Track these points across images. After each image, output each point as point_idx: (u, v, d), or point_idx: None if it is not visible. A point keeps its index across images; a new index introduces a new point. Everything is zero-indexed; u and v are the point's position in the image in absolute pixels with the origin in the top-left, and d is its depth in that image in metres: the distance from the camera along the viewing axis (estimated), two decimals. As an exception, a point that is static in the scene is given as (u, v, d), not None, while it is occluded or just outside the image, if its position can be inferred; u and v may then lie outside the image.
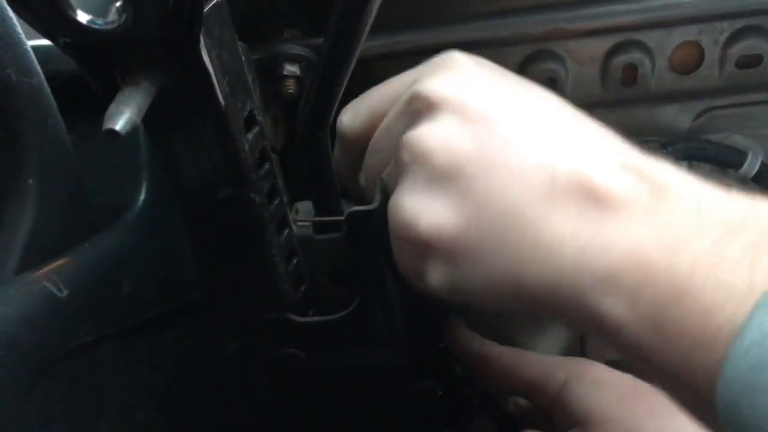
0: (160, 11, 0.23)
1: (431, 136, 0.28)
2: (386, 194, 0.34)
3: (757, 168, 0.43)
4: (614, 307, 0.24)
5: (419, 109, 0.29)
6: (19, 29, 0.41)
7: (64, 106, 0.44)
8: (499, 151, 0.27)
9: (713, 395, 0.21)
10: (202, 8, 0.24)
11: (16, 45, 0.40)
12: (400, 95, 0.31)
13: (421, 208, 0.28)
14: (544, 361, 0.39)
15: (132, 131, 0.23)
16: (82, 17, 0.23)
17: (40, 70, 0.42)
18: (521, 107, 0.28)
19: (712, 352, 0.21)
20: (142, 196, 0.52)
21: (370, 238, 0.32)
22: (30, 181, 0.44)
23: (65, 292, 0.42)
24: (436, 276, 0.28)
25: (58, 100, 0.44)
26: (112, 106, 0.23)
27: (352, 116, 0.34)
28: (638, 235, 0.24)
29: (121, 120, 0.22)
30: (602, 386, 0.37)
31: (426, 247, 0.28)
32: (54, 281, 0.41)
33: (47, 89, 0.43)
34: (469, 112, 0.28)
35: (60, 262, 0.43)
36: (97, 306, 0.44)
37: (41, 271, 0.41)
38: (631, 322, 0.23)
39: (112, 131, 0.22)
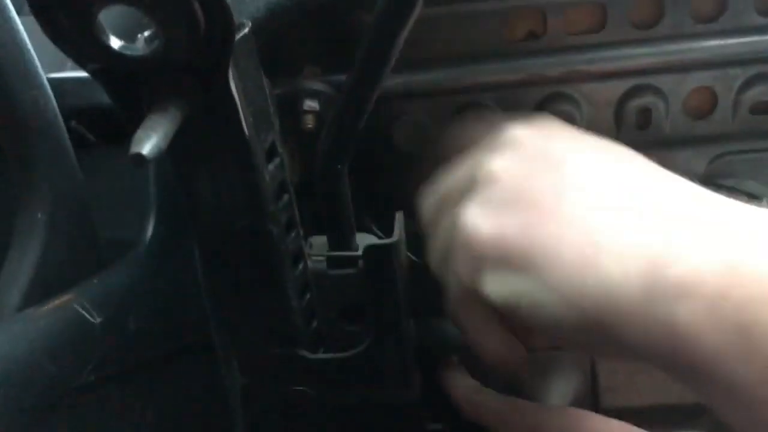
0: (191, 39, 0.23)
1: (503, 162, 0.30)
2: (403, 228, 0.34)
3: (771, 214, 0.43)
4: (692, 314, 0.23)
5: (499, 144, 0.31)
6: (37, 62, 0.41)
7: (75, 139, 0.44)
8: (570, 179, 0.28)
9: None
10: (234, 38, 0.24)
11: (34, 79, 0.41)
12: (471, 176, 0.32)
13: (485, 217, 0.28)
14: (539, 412, 0.37)
15: (158, 156, 0.23)
16: (115, 43, 0.23)
17: (55, 104, 0.43)
18: (600, 153, 0.30)
19: None
20: (149, 233, 0.51)
21: (387, 272, 0.32)
22: (39, 215, 0.43)
23: (69, 330, 0.41)
24: (495, 286, 0.28)
25: (69, 133, 0.44)
26: (139, 131, 0.23)
27: (428, 203, 0.34)
28: (720, 239, 0.23)
29: (148, 145, 0.22)
30: None
31: (488, 254, 0.28)
32: (58, 319, 0.41)
33: (61, 123, 0.43)
34: (547, 149, 0.30)
35: (65, 298, 0.42)
36: (102, 344, 0.43)
37: (45, 307, 0.41)
38: (711, 328, 0.22)
39: (140, 155, 0.22)
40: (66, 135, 0.43)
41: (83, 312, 0.43)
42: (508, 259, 0.27)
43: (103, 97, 0.52)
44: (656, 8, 0.40)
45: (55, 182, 0.43)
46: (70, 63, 0.74)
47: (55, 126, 0.43)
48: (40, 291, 0.42)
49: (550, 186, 0.28)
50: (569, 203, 0.27)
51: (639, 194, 0.27)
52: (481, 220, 0.29)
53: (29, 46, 0.39)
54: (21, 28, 0.39)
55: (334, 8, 0.38)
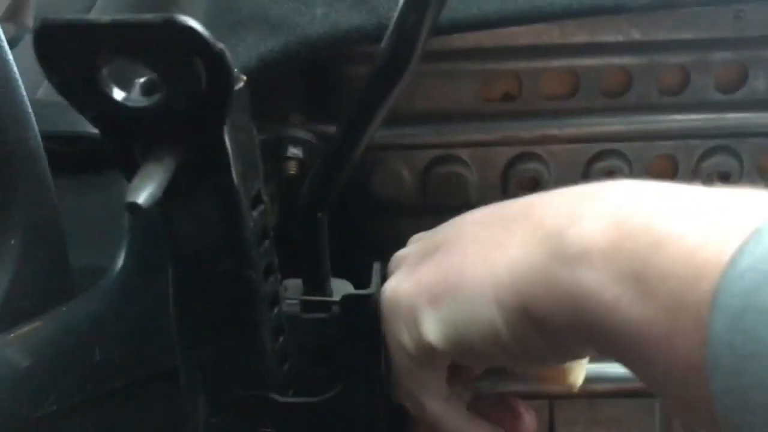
0: (192, 94, 0.24)
1: (405, 251, 0.36)
2: (380, 278, 0.35)
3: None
4: (590, 274, 0.24)
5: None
6: (23, 89, 0.42)
7: (52, 164, 0.44)
8: (461, 245, 0.32)
9: (706, 328, 0.21)
10: (233, 94, 0.25)
11: (19, 105, 0.41)
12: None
13: (404, 278, 0.33)
14: None
15: (153, 204, 0.24)
16: (118, 94, 0.24)
17: (37, 131, 0.43)
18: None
19: (700, 287, 0.21)
20: (121, 262, 0.51)
21: (363, 321, 0.33)
22: (12, 242, 0.43)
23: (35, 359, 0.41)
24: (432, 326, 0.31)
25: (51, 159, 0.44)
26: (135, 180, 0.24)
27: None
28: (603, 204, 0.26)
29: (143, 194, 0.23)
30: None
31: (416, 302, 0.32)
32: (23, 347, 0.40)
33: (42, 150, 0.44)
34: (439, 236, 0.35)
35: (32, 326, 0.42)
36: (67, 373, 0.43)
37: (12, 335, 0.41)
38: (609, 282, 0.24)
39: (135, 205, 0.23)
40: (45, 162, 0.44)
41: (50, 341, 0.43)
42: (434, 297, 0.31)
43: (78, 124, 0.52)
44: (625, 79, 0.42)
45: (32, 209, 0.43)
46: (44, 85, 0.74)
47: (36, 151, 0.43)
48: (7, 318, 0.42)
49: (447, 241, 0.33)
50: (463, 241, 0.32)
51: (508, 209, 0.32)
52: (401, 282, 0.33)
53: (14, 67, 0.40)
54: (7, 48, 0.39)
55: (323, 62, 0.39)
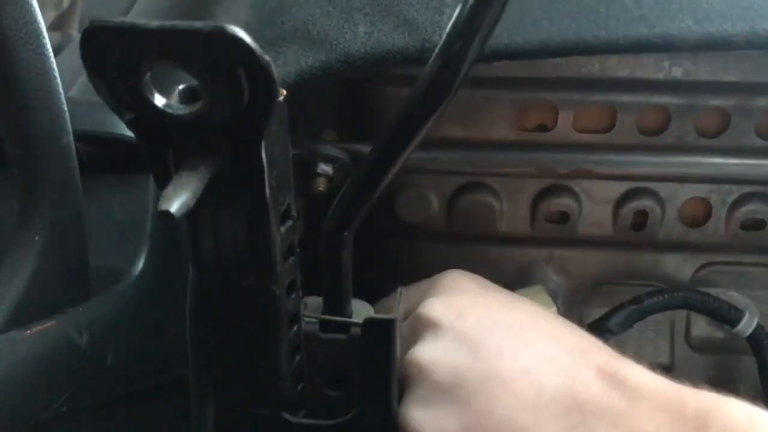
0: (234, 105, 0.24)
1: (430, 353, 0.33)
2: (403, 304, 0.35)
3: (752, 329, 0.44)
4: None
5: (420, 329, 0.34)
6: (60, 88, 0.42)
7: (82, 165, 0.44)
8: (492, 365, 0.31)
9: None
10: (274, 107, 0.25)
11: (55, 104, 0.41)
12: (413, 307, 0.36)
13: (425, 418, 0.32)
14: None
15: (186, 214, 0.23)
16: (159, 101, 0.24)
17: (70, 131, 0.43)
18: (510, 325, 0.33)
19: None
20: (140, 266, 0.51)
21: (385, 347, 0.32)
22: (37, 238, 0.43)
23: (49, 357, 0.40)
24: None
25: (79, 159, 0.44)
26: (169, 188, 0.23)
27: None
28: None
29: (177, 202, 0.23)
30: None
31: None
32: (38, 345, 0.40)
33: (73, 150, 0.44)
34: (464, 331, 0.33)
35: (48, 324, 0.42)
36: (78, 375, 0.42)
37: (28, 332, 0.40)
38: None
39: (168, 213, 0.23)
40: (76, 162, 0.44)
41: (64, 341, 0.42)
42: None
43: (106, 125, 0.53)
44: (663, 118, 0.42)
45: (58, 207, 0.43)
46: (79, 80, 0.74)
47: (68, 152, 0.43)
48: (24, 315, 0.42)
49: (477, 381, 0.31)
50: (499, 404, 0.31)
51: (553, 389, 0.30)
52: (423, 419, 0.32)
53: (56, 71, 0.40)
54: (51, 52, 0.39)
55: (359, 80, 0.39)
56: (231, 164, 0.26)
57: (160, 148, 0.26)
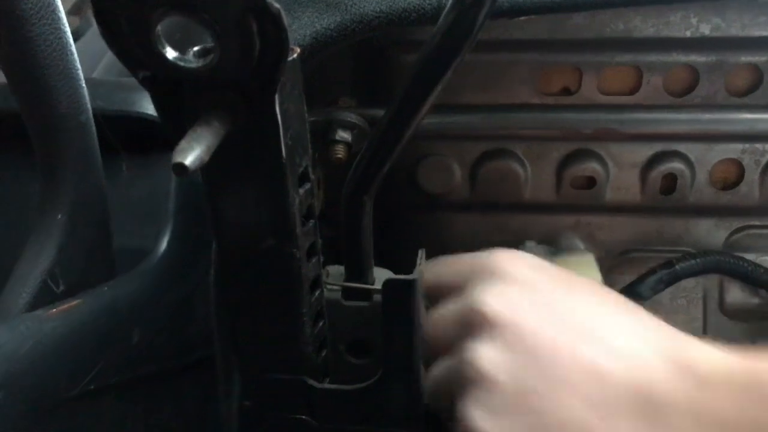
0: (245, 56, 0.23)
1: (488, 355, 0.32)
2: (425, 265, 0.34)
3: (789, 293, 0.43)
4: None
5: (475, 324, 0.32)
6: (78, 64, 0.42)
7: (103, 145, 0.44)
8: (555, 367, 0.30)
9: None
10: (286, 58, 0.24)
11: (73, 80, 0.41)
12: (463, 279, 0.34)
13: (490, 425, 0.31)
14: None
15: (199, 167, 0.23)
16: (170, 54, 0.23)
17: (89, 108, 0.43)
18: (569, 317, 0.32)
19: None
20: (164, 246, 0.51)
21: (405, 308, 0.31)
22: (60, 216, 0.43)
23: (75, 336, 0.41)
24: None
25: (99, 139, 0.44)
26: (183, 142, 0.23)
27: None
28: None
29: (191, 156, 0.23)
30: None
31: None
32: (64, 324, 0.40)
33: (93, 128, 0.44)
34: (521, 332, 0.31)
35: (73, 303, 0.42)
36: (104, 353, 0.43)
37: (54, 310, 0.41)
38: None
39: (182, 165, 0.22)
40: (95, 140, 0.44)
41: (89, 320, 0.43)
42: None
43: (128, 104, 0.53)
44: (691, 77, 0.40)
45: (80, 185, 0.43)
46: (100, 66, 0.74)
47: (87, 130, 0.43)
48: (50, 293, 0.42)
49: (540, 386, 0.31)
50: (566, 407, 0.30)
51: (620, 383, 0.29)
52: (488, 426, 0.31)
53: (73, 48, 0.40)
54: (68, 28, 0.39)
55: (376, 46, 0.38)
56: (246, 122, 0.26)
57: (174, 106, 0.26)
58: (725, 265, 0.42)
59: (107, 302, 0.44)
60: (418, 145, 0.42)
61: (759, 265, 0.43)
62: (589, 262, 0.41)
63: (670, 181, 0.43)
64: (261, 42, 0.23)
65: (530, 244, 0.42)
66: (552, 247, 0.44)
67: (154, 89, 0.25)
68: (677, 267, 0.41)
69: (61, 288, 0.44)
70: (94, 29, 0.74)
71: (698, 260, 0.42)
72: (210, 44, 0.24)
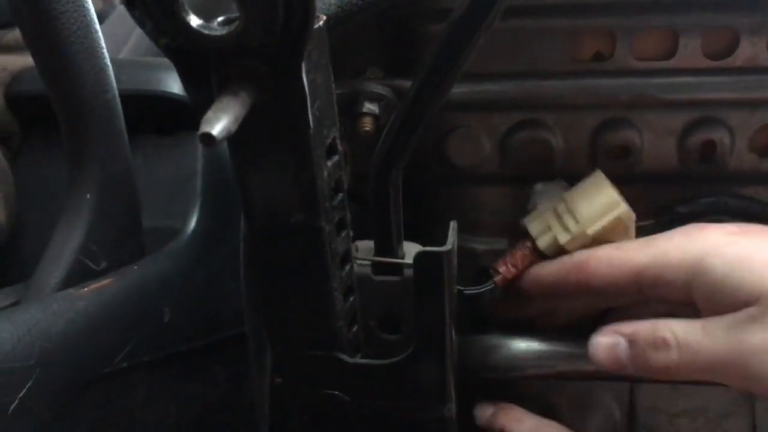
0: (270, 24, 0.23)
1: None
2: (456, 238, 0.34)
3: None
4: None
5: None
6: (103, 43, 0.42)
7: (130, 125, 0.44)
8: None
9: None
10: (311, 25, 0.23)
11: (98, 59, 0.41)
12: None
13: None
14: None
15: (227, 137, 0.23)
16: (194, 21, 0.23)
17: (115, 87, 0.43)
18: None
19: None
20: (192, 225, 0.51)
21: (437, 281, 0.31)
22: (88, 196, 0.44)
23: (107, 314, 0.41)
24: None
25: (126, 119, 0.44)
26: (210, 112, 0.23)
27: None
28: None
29: (218, 125, 0.22)
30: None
31: None
32: (96, 302, 0.41)
33: (119, 107, 0.44)
34: None
35: (105, 282, 0.42)
36: (136, 332, 0.43)
37: (85, 289, 0.41)
38: None
39: (209, 135, 0.22)
40: (122, 119, 0.44)
41: (120, 298, 0.43)
42: None
43: (154, 83, 0.52)
44: (731, 39, 0.39)
45: (107, 164, 0.43)
46: (125, 48, 0.74)
47: (113, 109, 0.43)
48: (81, 272, 0.42)
49: None
50: None
51: None
52: None
53: (97, 26, 0.40)
54: (91, 7, 0.39)
55: (402, 15, 0.37)
56: (272, 93, 0.26)
57: (198, 78, 0.25)
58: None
59: (137, 281, 0.45)
60: (446, 116, 0.41)
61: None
62: (599, 178, 0.40)
63: (709, 149, 0.42)
64: (285, 7, 0.23)
65: (539, 186, 0.41)
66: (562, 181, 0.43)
67: (179, 60, 0.25)
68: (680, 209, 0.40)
69: (97, 266, 0.44)
70: (118, 11, 0.74)
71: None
72: (234, 14, 0.23)
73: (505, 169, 0.43)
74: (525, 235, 0.41)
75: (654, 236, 0.37)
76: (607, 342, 0.36)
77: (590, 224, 0.39)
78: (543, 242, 0.40)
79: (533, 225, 0.41)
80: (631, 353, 0.35)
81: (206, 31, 0.23)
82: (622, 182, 0.40)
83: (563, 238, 0.39)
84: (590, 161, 0.42)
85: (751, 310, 0.31)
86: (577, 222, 0.39)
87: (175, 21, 0.23)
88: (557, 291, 0.39)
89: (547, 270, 0.40)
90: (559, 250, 0.40)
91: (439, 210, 0.45)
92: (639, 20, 0.39)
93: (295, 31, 0.23)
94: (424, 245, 0.37)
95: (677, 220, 0.40)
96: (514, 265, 0.41)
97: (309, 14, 0.23)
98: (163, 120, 0.53)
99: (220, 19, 0.25)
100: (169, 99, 0.51)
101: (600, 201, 0.39)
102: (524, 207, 0.43)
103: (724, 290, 0.32)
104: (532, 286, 0.40)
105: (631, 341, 0.35)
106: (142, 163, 0.51)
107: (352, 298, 0.34)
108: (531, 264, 0.41)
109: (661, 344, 0.33)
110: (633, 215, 0.39)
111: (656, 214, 0.42)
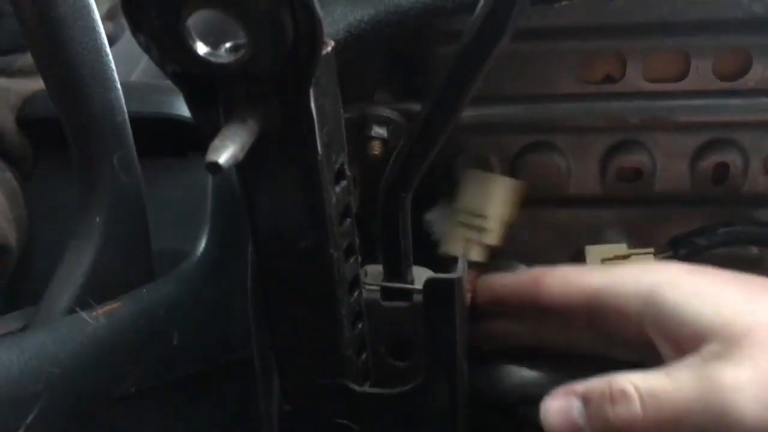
0: (278, 50, 0.23)
1: None
2: (467, 264, 0.33)
3: None
4: None
5: None
6: (113, 66, 0.42)
7: (140, 148, 0.45)
8: None
9: None
10: (320, 52, 0.23)
11: (109, 82, 0.41)
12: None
13: None
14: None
15: (233, 166, 0.22)
16: (201, 48, 0.23)
17: (125, 109, 0.43)
18: None
19: None
20: (201, 247, 0.51)
21: (447, 308, 0.30)
22: (98, 219, 0.44)
23: (116, 338, 0.41)
24: None
25: (136, 142, 0.44)
26: (217, 140, 0.22)
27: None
28: None
29: (225, 154, 0.22)
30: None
31: None
32: (105, 326, 0.40)
33: (129, 130, 0.44)
34: None
35: (113, 305, 0.42)
36: (145, 356, 0.43)
37: (94, 313, 0.41)
38: None
39: (216, 164, 0.22)
40: (132, 142, 0.44)
41: (129, 322, 0.43)
42: None
43: (164, 106, 0.53)
44: (743, 60, 0.38)
45: (117, 188, 0.43)
46: (136, 71, 0.75)
47: (124, 132, 0.43)
48: (90, 296, 0.42)
49: None
50: None
51: None
52: None
53: (108, 49, 0.40)
54: (102, 30, 0.39)
55: (412, 39, 0.37)
56: (281, 119, 0.25)
57: (205, 104, 0.25)
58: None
59: (146, 304, 0.44)
60: (456, 139, 0.40)
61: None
62: (473, 174, 0.41)
63: (722, 171, 0.41)
64: (294, 35, 0.22)
65: (428, 216, 0.43)
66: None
67: (185, 86, 0.25)
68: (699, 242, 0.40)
69: (101, 291, 0.44)
70: (129, 35, 0.75)
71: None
72: (242, 40, 0.23)
73: (516, 192, 0.43)
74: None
75: (615, 265, 0.36)
76: (558, 405, 0.32)
77: (496, 210, 0.40)
78: (474, 254, 0.41)
79: (452, 247, 0.41)
80: (588, 413, 0.31)
81: (213, 59, 0.23)
82: (633, 205, 0.40)
83: (486, 238, 0.40)
84: (601, 184, 0.42)
85: (712, 348, 0.29)
86: (485, 217, 0.40)
87: (181, 48, 0.23)
88: (510, 303, 0.38)
89: (502, 280, 0.38)
90: (492, 252, 0.40)
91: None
92: (650, 42, 0.38)
93: (303, 58, 0.23)
94: (434, 270, 0.36)
95: (696, 253, 0.39)
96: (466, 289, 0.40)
97: (317, 41, 0.23)
98: (174, 143, 0.53)
99: (227, 45, 0.25)
100: (179, 122, 0.52)
101: (489, 188, 0.40)
102: (536, 230, 0.43)
103: (676, 321, 0.31)
104: (489, 295, 0.38)
105: (586, 399, 0.31)
106: (152, 185, 0.51)
107: (360, 325, 0.34)
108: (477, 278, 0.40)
109: (620, 397, 0.30)
110: (520, 182, 0.41)
111: (671, 244, 0.41)
